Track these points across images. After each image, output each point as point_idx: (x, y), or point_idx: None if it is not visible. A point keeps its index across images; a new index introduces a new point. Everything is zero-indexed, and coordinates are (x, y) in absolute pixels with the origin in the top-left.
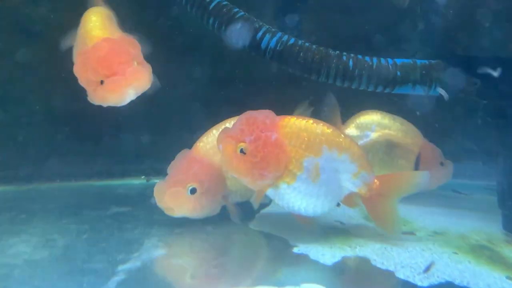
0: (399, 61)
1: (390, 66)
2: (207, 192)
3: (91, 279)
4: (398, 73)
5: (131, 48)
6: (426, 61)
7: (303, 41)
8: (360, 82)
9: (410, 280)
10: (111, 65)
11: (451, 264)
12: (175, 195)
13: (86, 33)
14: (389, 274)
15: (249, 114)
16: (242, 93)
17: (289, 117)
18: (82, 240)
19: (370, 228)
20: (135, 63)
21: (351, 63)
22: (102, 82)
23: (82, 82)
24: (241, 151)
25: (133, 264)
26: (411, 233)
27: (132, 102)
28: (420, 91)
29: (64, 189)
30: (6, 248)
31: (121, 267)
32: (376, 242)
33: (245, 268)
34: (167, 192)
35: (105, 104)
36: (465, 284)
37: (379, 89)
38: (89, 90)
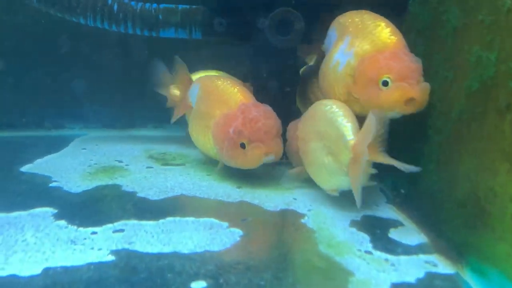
0: (162, 6)
1: (153, 10)
2: None
3: None
4: (160, 16)
5: None
6: (187, 6)
7: None
8: (126, 25)
9: (149, 197)
10: None
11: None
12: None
13: None
14: (133, 193)
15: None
16: None
17: None
18: None
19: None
20: None
21: (115, 7)
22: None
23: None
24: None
25: None
26: (183, 164)
27: None
28: (183, 34)
29: None
30: None
31: None
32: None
33: None
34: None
35: None
36: (205, 196)
37: (146, 33)
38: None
